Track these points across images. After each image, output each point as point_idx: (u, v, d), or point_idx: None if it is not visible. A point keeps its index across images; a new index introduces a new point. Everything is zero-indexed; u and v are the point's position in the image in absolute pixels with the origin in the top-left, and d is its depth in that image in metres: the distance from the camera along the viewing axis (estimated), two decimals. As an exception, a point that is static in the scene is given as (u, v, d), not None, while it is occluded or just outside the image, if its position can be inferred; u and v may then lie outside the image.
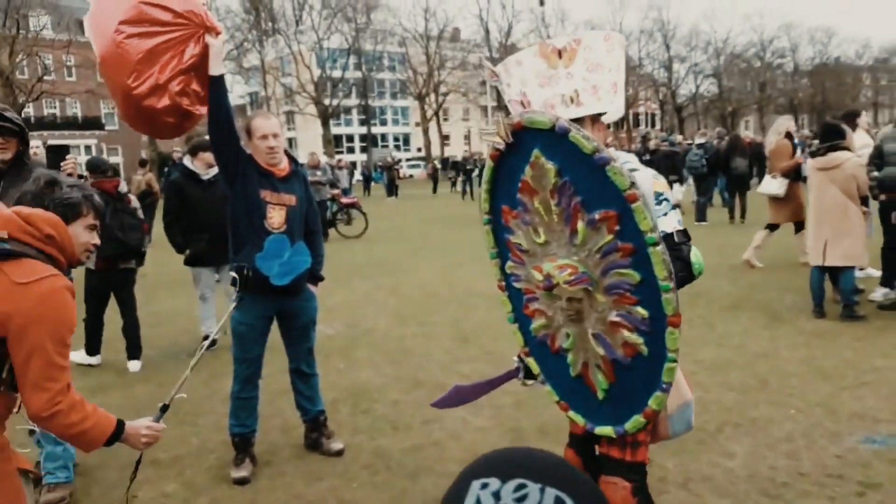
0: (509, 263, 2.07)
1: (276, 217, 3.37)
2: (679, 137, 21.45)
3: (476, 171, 23.04)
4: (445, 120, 49.81)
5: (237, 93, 46.18)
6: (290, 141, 51.26)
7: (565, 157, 1.76)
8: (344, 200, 14.02)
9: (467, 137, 60.30)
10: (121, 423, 1.99)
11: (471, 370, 4.95)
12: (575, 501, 0.60)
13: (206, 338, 5.65)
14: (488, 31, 50.50)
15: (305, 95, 43.46)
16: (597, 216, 1.76)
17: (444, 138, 49.44)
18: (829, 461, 3.31)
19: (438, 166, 32.64)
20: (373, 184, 33.84)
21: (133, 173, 15.32)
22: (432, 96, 47.78)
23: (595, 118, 2.07)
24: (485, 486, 0.61)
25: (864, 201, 5.86)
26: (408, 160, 50.01)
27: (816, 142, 6.73)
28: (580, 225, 1.79)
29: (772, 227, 7.84)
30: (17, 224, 1.80)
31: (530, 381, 2.32)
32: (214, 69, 3.15)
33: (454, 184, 27.91)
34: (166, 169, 15.97)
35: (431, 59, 47.29)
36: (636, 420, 1.89)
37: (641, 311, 1.77)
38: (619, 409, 1.92)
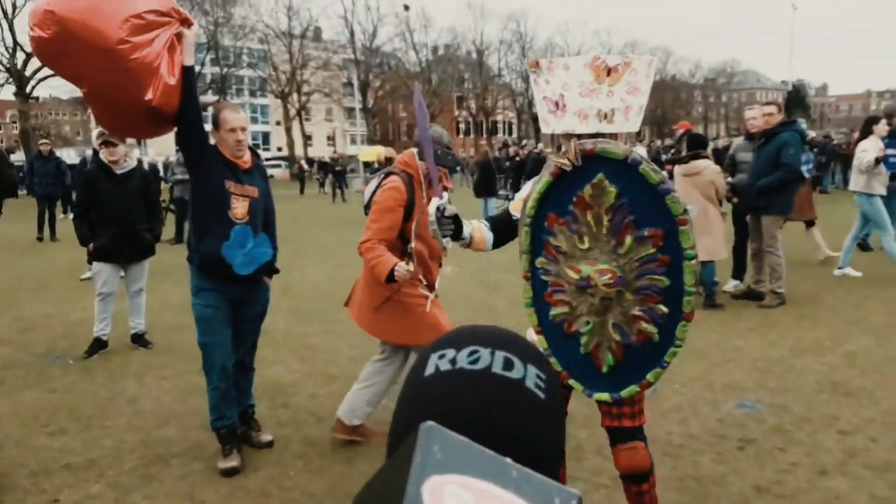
0: (541, 259, 2.22)
1: (239, 208, 3.40)
2: (541, 145, 22.65)
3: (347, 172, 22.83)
4: (307, 119, 49.05)
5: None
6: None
7: (628, 182, 2.03)
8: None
9: (331, 138, 59.76)
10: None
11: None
12: (521, 360, 0.66)
13: (95, 341, 5.45)
14: (353, 33, 50.41)
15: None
16: (646, 233, 2.04)
17: (307, 138, 48.68)
18: (712, 425, 3.83)
19: (306, 167, 32.04)
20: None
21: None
22: (295, 95, 46.92)
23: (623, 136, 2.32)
24: (442, 356, 0.67)
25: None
26: (268, 160, 48.70)
27: (674, 150, 7.45)
28: (628, 239, 2.05)
29: (807, 224, 8.28)
30: None
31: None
32: (189, 59, 3.20)
33: (322, 185, 27.58)
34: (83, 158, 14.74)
35: (295, 58, 46.44)
36: (632, 389, 2.18)
37: (663, 309, 2.07)
38: (618, 379, 2.20)
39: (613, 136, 2.22)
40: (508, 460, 0.51)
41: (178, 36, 3.23)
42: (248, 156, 3.51)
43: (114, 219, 5.39)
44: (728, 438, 3.65)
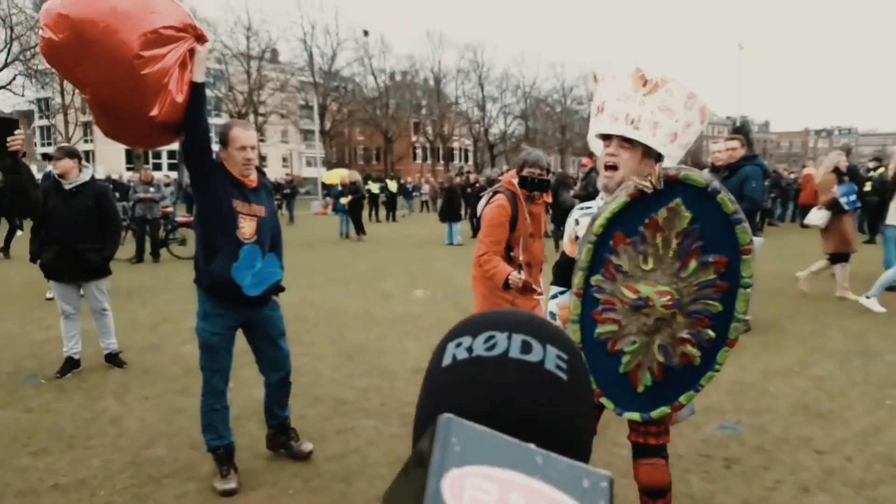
0: (598, 277, 2.25)
1: (247, 228, 3.36)
2: (497, 171, 23.03)
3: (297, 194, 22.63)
4: (262, 141, 48.61)
5: (28, 97, 41.50)
6: (88, 154, 47.15)
7: (703, 210, 2.09)
8: (179, 219, 13.33)
9: (286, 159, 59.30)
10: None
11: (366, 385, 5.13)
12: (540, 342, 0.64)
13: (67, 360, 5.32)
14: (312, 56, 50.40)
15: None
16: (711, 259, 2.10)
17: (262, 159, 48.24)
18: (697, 445, 3.97)
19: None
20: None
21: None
22: (252, 116, 46.51)
23: (647, 152, 2.32)
24: (458, 344, 0.65)
25: None
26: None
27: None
28: (693, 263, 2.11)
29: (832, 259, 8.10)
30: None
31: None
32: (199, 76, 3.16)
33: (280, 206, 27.32)
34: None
35: (252, 79, 46.14)
36: (662, 410, 2.25)
37: (710, 333, 2.13)
38: (652, 400, 2.26)
39: (648, 153, 2.30)
40: (532, 446, 0.50)
41: (191, 52, 3.19)
42: (254, 175, 3.48)
43: (57, 235, 5.22)
44: (714, 458, 3.79)
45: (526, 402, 0.61)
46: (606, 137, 2.38)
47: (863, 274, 8.63)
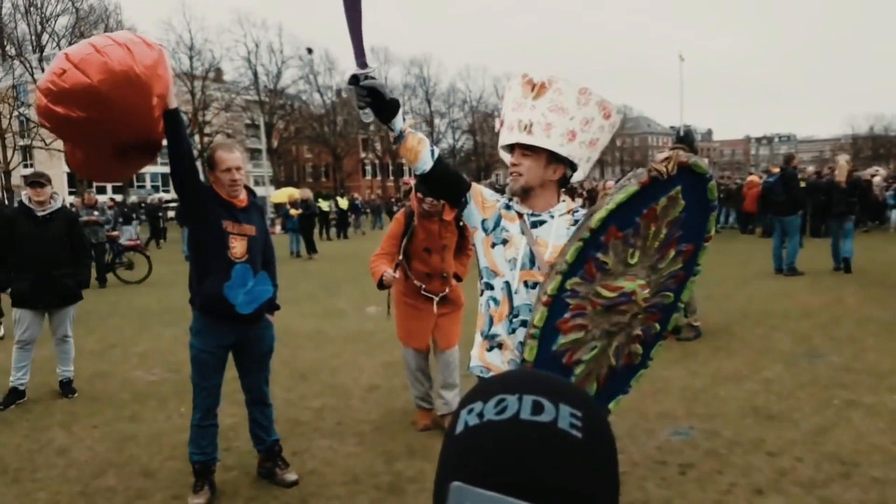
0: (576, 279, 2.15)
1: (238, 247, 3.40)
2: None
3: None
4: (211, 161, 47.80)
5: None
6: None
7: (695, 197, 2.07)
8: (125, 243, 12.97)
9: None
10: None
11: (321, 404, 5.06)
12: (552, 400, 0.63)
13: (12, 391, 5.10)
14: (257, 75, 49.93)
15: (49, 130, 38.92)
16: (684, 247, 2.09)
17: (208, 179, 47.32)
18: (651, 452, 4.03)
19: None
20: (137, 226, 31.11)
21: None
22: (197, 136, 45.74)
23: (552, 157, 2.27)
24: (470, 410, 0.65)
25: None
26: (168, 201, 46.96)
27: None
28: (672, 252, 2.10)
29: None
30: None
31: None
32: (172, 102, 3.15)
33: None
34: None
35: (196, 99, 45.41)
36: None
37: (657, 327, 2.14)
38: None
39: (554, 160, 2.28)
40: None
41: None
42: (243, 194, 3.52)
43: (32, 263, 5.14)
44: (669, 464, 3.85)
45: (538, 464, 0.59)
46: (512, 148, 2.37)
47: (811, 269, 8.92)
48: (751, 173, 24.59)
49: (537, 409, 0.62)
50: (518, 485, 0.56)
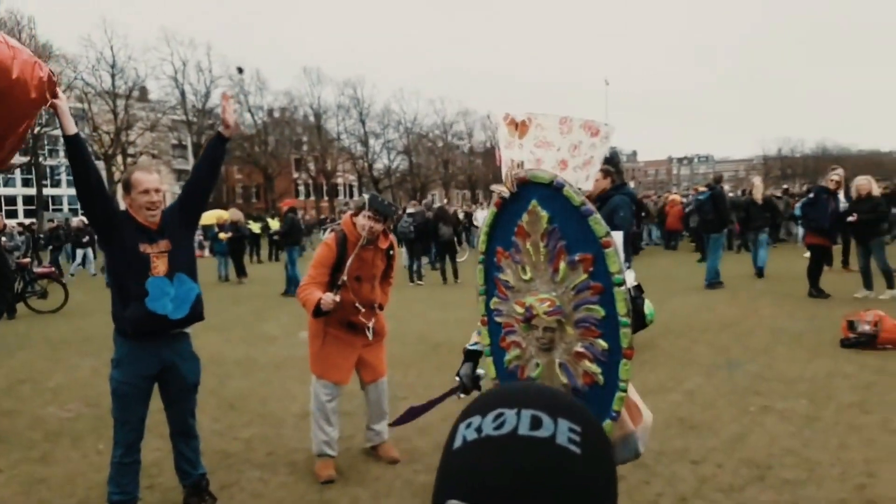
0: (494, 299, 2.24)
1: (160, 266, 3.31)
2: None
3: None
4: (134, 183, 46.24)
5: None
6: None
7: (557, 207, 2.07)
8: (38, 270, 12.35)
9: (160, 202, 56.64)
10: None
11: (250, 434, 4.93)
12: (550, 415, 0.62)
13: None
14: (184, 94, 48.81)
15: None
16: (576, 257, 2.06)
17: (134, 203, 45.76)
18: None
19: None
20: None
21: None
22: (120, 157, 44.24)
23: None
24: (468, 425, 0.65)
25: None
26: (88, 224, 45.12)
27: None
28: (562, 265, 2.08)
29: None
30: None
31: (464, 396, 2.61)
32: (71, 128, 3.04)
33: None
34: None
35: (119, 118, 43.98)
36: None
37: (602, 344, 2.05)
38: None
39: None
40: None
41: (52, 107, 3.03)
42: (158, 217, 3.41)
43: None
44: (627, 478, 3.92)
45: (536, 480, 0.59)
46: None
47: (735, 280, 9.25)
48: (669, 192, 25.63)
49: (535, 423, 0.62)
50: (517, 501, 0.56)
